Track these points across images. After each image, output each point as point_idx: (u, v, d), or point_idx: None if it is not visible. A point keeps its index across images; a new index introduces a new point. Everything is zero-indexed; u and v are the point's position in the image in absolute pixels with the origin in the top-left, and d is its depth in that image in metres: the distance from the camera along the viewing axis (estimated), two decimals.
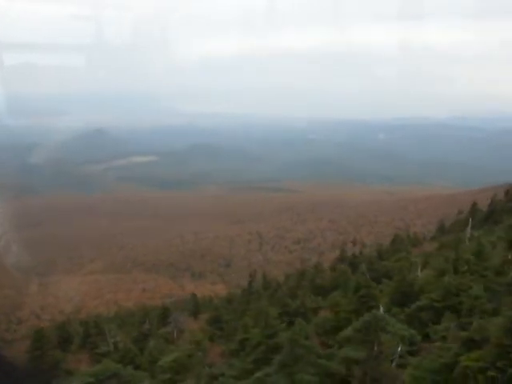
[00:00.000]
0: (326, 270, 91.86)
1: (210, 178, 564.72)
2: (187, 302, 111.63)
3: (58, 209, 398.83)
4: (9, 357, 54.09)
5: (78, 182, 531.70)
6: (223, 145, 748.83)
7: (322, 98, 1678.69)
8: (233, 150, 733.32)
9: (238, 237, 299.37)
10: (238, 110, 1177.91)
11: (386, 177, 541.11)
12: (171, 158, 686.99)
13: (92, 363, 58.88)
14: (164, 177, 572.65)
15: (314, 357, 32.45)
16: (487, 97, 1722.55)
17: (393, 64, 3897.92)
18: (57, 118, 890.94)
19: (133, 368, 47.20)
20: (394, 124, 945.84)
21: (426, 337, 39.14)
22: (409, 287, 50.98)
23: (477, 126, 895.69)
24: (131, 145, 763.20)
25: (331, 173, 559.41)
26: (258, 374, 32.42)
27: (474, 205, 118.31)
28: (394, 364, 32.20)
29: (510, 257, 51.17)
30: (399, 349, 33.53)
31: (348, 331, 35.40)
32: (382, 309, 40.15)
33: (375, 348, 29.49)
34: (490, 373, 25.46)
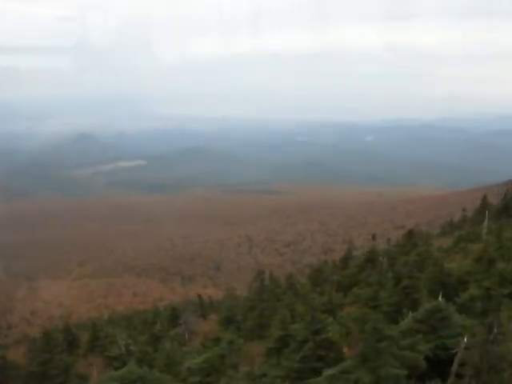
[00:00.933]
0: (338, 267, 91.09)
1: (198, 181, 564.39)
2: (193, 303, 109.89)
3: (46, 213, 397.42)
4: (11, 361, 53.61)
5: (66, 187, 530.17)
6: (211, 148, 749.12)
7: (310, 101, 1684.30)
8: (220, 153, 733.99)
9: (227, 240, 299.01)
10: (225, 113, 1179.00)
11: (375, 178, 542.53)
12: (159, 162, 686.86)
13: (105, 367, 57.99)
14: (152, 181, 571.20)
15: (395, 348, 29.69)
16: (474, 98, 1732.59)
17: (380, 65, 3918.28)
18: (43, 122, 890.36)
19: None
20: (382, 126, 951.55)
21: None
22: (447, 277, 50.59)
23: (463, 127, 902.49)
24: (118, 149, 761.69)
25: (320, 175, 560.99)
26: (329, 372, 29.05)
27: (485, 199, 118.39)
28: None
29: None
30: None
31: (408, 322, 34.25)
32: (441, 298, 38.68)
33: (494, 330, 27.80)
34: None
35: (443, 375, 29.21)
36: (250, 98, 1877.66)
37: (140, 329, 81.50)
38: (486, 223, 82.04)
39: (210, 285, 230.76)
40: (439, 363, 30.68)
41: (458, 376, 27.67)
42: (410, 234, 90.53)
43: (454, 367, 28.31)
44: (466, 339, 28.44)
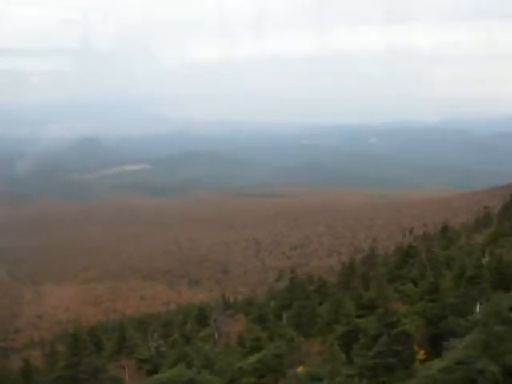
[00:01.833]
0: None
1: (202, 184, 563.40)
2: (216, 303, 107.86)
3: (50, 217, 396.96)
4: (34, 366, 52.40)
5: (71, 191, 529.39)
6: (214, 151, 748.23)
7: (313, 103, 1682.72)
8: (224, 156, 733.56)
9: (234, 243, 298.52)
10: (229, 117, 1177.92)
11: (379, 181, 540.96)
12: (163, 166, 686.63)
13: (136, 370, 56.39)
14: (156, 184, 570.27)
15: None
16: (477, 99, 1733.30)
17: (383, 67, 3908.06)
18: (46, 126, 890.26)
19: None
20: (386, 128, 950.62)
21: None
22: (506, 268, 49.92)
23: (467, 129, 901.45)
24: (123, 153, 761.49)
25: (324, 178, 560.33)
26: (444, 363, 26.30)
27: None
28: None
29: None
30: None
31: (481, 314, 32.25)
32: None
33: None
34: None
35: None
36: (253, 100, 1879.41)
37: (161, 331, 78.82)
38: None
39: (217, 288, 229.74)
40: None
41: None
42: (445, 229, 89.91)
43: None
44: None
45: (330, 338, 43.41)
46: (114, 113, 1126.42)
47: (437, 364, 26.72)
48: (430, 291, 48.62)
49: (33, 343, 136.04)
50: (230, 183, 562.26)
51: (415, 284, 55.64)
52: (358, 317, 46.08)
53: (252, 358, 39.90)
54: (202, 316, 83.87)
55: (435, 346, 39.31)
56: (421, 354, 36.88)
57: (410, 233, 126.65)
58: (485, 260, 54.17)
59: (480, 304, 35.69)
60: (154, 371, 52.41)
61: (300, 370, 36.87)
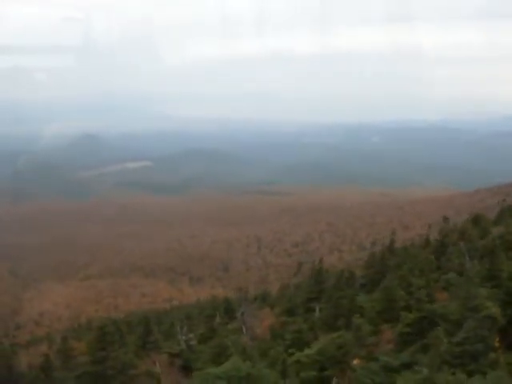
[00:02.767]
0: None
1: (203, 182, 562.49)
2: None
3: (52, 214, 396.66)
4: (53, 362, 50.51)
5: (72, 188, 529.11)
6: (215, 149, 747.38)
7: (314, 102, 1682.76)
8: (225, 154, 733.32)
9: (235, 240, 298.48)
10: (230, 115, 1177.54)
11: (381, 179, 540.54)
12: (165, 163, 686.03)
13: (169, 365, 52.56)
14: (158, 182, 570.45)
15: None
16: (477, 99, 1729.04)
17: (384, 66, 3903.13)
18: (48, 123, 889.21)
19: None
20: (387, 127, 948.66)
21: None
22: None
23: (467, 128, 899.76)
24: (124, 150, 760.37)
25: (325, 176, 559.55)
26: None
27: None
28: None
29: None
30: None
31: None
32: None
33: None
34: None
35: None
36: (255, 99, 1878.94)
37: (180, 325, 75.97)
38: None
39: (219, 285, 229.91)
40: None
41: None
42: (477, 218, 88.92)
43: None
44: None
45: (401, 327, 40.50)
46: (115, 110, 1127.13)
47: None
48: (488, 278, 46.11)
49: (35, 339, 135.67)
50: (231, 181, 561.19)
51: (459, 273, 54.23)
52: (407, 307, 44.72)
53: (310, 350, 36.98)
54: (228, 309, 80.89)
55: (506, 333, 36.80)
56: (496, 342, 34.58)
57: (429, 227, 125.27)
58: None
59: None
60: (186, 366, 50.94)
61: (355, 362, 35.35)
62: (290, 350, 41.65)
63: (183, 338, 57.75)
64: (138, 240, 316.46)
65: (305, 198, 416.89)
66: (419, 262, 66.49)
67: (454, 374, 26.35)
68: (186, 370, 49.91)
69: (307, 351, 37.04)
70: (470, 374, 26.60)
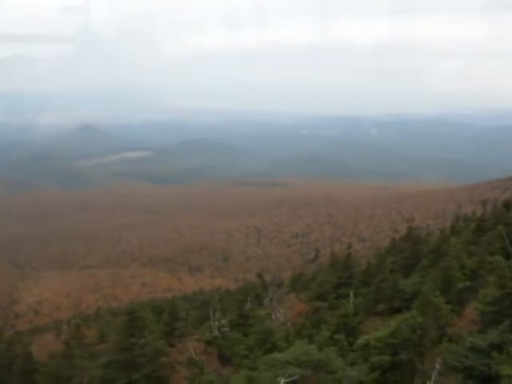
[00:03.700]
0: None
1: (203, 173, 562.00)
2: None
3: (51, 205, 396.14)
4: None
5: (71, 178, 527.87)
6: (215, 140, 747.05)
7: (313, 95, 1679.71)
8: (224, 145, 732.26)
9: (235, 231, 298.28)
10: (230, 107, 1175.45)
11: (379, 172, 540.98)
12: (164, 154, 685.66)
13: (202, 353, 47.74)
14: (157, 172, 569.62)
15: None
16: (478, 93, 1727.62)
17: (384, 60, 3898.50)
18: (47, 113, 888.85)
19: None
20: (386, 120, 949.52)
21: None
22: None
23: (467, 122, 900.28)
24: (123, 140, 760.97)
25: (324, 168, 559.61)
26: None
27: None
28: None
29: None
30: None
31: None
32: None
33: None
34: None
35: None
36: (254, 91, 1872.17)
37: (199, 313, 72.22)
38: None
39: (218, 276, 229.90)
40: None
41: None
42: (508, 204, 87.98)
43: None
44: None
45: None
46: (114, 101, 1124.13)
47: None
48: None
49: (39, 328, 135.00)
50: (230, 172, 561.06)
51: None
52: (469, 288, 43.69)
53: (381, 332, 34.08)
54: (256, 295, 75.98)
55: None
56: None
57: (457, 218, 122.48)
58: None
59: None
60: (220, 354, 48.10)
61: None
62: (337, 336, 40.46)
63: (216, 324, 54.51)
64: (137, 230, 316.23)
65: (304, 190, 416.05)
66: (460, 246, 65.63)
67: None
68: (221, 358, 47.52)
69: (377, 334, 34.34)
70: None
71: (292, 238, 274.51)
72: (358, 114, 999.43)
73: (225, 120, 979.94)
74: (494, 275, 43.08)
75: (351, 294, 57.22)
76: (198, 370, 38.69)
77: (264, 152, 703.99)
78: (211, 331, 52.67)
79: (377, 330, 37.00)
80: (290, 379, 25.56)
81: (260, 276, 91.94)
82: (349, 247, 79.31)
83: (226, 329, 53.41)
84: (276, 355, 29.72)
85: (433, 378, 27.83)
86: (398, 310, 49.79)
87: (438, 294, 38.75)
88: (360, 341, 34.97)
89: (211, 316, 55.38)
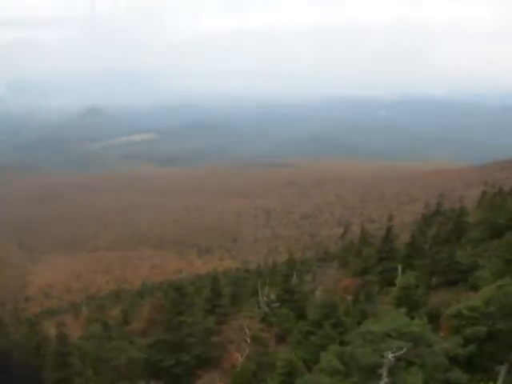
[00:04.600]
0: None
1: (210, 154, 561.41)
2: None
3: (60, 187, 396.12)
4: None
5: (79, 161, 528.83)
6: (223, 122, 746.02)
7: (322, 76, 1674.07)
8: (232, 127, 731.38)
9: (244, 212, 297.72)
10: (237, 88, 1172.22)
11: (388, 153, 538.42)
12: (172, 136, 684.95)
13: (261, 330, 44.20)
14: (165, 154, 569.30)
15: None
16: (486, 74, 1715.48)
17: (392, 40, 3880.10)
18: (55, 96, 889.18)
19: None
20: (394, 101, 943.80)
21: None
22: None
23: (476, 103, 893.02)
24: (130, 123, 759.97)
25: (333, 149, 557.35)
26: None
27: None
28: None
29: None
30: None
31: None
32: None
33: None
34: None
35: None
36: (262, 72, 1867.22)
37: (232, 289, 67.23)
38: None
39: (228, 257, 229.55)
40: None
41: None
42: None
43: None
44: None
45: None
46: (121, 84, 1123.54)
47: None
48: None
49: (51, 310, 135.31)
50: (237, 154, 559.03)
51: None
52: None
53: (474, 301, 30.73)
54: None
55: None
56: None
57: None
58: None
59: None
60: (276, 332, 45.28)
61: None
62: (402, 309, 37.96)
63: (264, 299, 52.43)
64: (146, 212, 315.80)
65: (312, 171, 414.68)
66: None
67: None
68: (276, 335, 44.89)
69: (469, 303, 30.92)
70: None
71: (301, 219, 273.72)
72: (365, 95, 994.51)
73: (232, 102, 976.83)
74: None
75: (399, 268, 55.13)
76: (263, 348, 36.06)
77: (272, 133, 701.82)
78: (259, 307, 50.59)
79: (442, 303, 36.41)
80: (397, 353, 23.40)
81: (292, 254, 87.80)
82: (389, 220, 76.68)
83: (276, 304, 51.08)
84: (371, 327, 27.02)
85: None
86: (454, 283, 49.29)
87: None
88: (450, 311, 31.97)
89: (259, 292, 53.20)
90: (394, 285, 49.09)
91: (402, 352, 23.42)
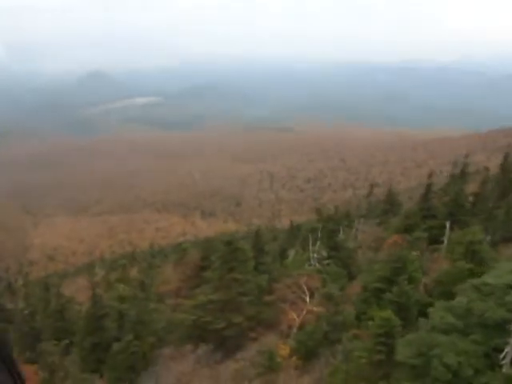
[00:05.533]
0: None
1: (214, 118, 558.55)
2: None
3: (62, 152, 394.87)
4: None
5: (81, 125, 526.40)
6: (226, 86, 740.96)
7: (325, 41, 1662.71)
8: (236, 90, 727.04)
9: (248, 176, 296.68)
10: (242, 52, 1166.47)
11: (391, 120, 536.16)
12: (174, 99, 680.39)
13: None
14: (167, 117, 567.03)
15: None
16: (491, 41, 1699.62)
17: (397, 6, 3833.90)
18: (57, 59, 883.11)
19: None
20: (399, 67, 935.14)
21: None
22: None
23: (480, 70, 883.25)
24: (132, 86, 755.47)
25: (336, 113, 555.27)
26: None
27: None
28: None
29: None
30: None
31: None
32: None
33: None
34: None
35: None
36: (267, 36, 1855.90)
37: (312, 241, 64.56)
38: None
39: (231, 220, 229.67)
40: None
41: None
42: None
43: None
44: None
45: None
46: (122, 47, 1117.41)
47: None
48: None
49: (59, 273, 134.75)
50: (242, 118, 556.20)
51: None
52: None
53: None
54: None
55: None
56: None
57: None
58: None
59: None
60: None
61: None
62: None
63: (315, 256, 47.93)
64: (149, 176, 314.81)
65: (315, 135, 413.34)
66: None
67: None
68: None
69: None
70: None
71: (305, 183, 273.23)
72: (369, 61, 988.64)
73: (237, 65, 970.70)
74: None
75: (447, 225, 51.55)
76: (334, 306, 32.64)
77: (276, 97, 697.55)
78: (310, 264, 46.27)
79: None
80: None
81: (319, 211, 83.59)
82: (430, 176, 74.51)
83: (327, 261, 46.93)
84: (487, 279, 24.17)
85: None
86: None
87: None
88: None
89: (310, 247, 48.98)
90: (439, 242, 47.45)
91: None
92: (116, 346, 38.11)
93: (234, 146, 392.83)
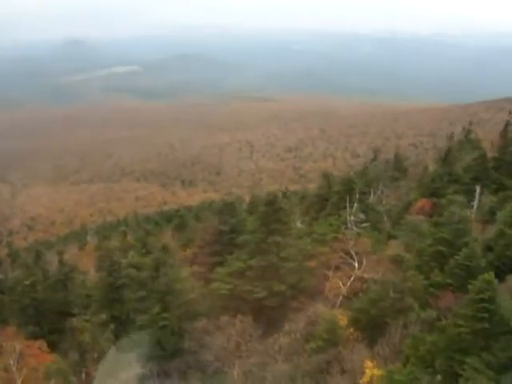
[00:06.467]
0: None
1: (194, 87, 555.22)
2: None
3: (40, 120, 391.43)
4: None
5: (58, 94, 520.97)
6: (206, 55, 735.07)
7: (305, 9, 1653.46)
8: (214, 59, 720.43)
9: (227, 145, 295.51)
10: (220, 20, 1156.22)
11: (373, 90, 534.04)
12: (153, 68, 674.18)
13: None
14: (146, 87, 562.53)
15: None
16: (468, 15, 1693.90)
17: None
18: (34, 30, 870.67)
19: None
20: (378, 37, 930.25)
21: None
22: None
23: (458, 43, 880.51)
24: (111, 55, 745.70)
25: (317, 84, 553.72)
26: None
27: None
28: None
29: None
30: None
31: None
32: None
33: None
34: None
35: None
36: (245, 4, 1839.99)
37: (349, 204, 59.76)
38: None
39: (211, 189, 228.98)
40: None
41: None
42: None
43: None
44: None
45: None
46: (101, 17, 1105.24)
47: None
48: None
49: (41, 243, 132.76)
50: (220, 87, 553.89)
51: None
52: None
53: None
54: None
55: None
56: None
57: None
58: None
59: None
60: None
61: None
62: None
63: (352, 219, 43.78)
64: (128, 145, 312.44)
65: (296, 105, 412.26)
66: None
67: None
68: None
69: None
70: None
71: (285, 152, 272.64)
72: (348, 30, 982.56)
73: (214, 34, 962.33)
74: None
75: (477, 189, 50.95)
76: (403, 272, 30.67)
77: (254, 66, 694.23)
78: (346, 227, 42.14)
79: None
80: None
81: (326, 175, 76.67)
82: (449, 140, 72.58)
83: (365, 224, 43.63)
84: None
85: None
86: None
87: None
88: None
89: (348, 209, 44.85)
90: (468, 207, 44.74)
91: None
92: (141, 320, 34.87)
93: (213, 114, 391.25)
